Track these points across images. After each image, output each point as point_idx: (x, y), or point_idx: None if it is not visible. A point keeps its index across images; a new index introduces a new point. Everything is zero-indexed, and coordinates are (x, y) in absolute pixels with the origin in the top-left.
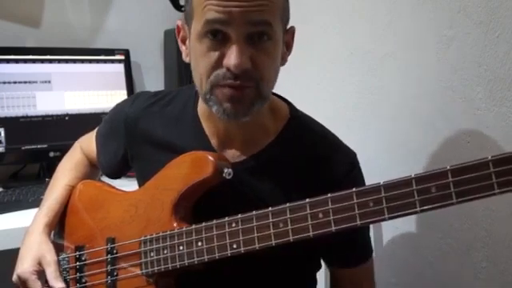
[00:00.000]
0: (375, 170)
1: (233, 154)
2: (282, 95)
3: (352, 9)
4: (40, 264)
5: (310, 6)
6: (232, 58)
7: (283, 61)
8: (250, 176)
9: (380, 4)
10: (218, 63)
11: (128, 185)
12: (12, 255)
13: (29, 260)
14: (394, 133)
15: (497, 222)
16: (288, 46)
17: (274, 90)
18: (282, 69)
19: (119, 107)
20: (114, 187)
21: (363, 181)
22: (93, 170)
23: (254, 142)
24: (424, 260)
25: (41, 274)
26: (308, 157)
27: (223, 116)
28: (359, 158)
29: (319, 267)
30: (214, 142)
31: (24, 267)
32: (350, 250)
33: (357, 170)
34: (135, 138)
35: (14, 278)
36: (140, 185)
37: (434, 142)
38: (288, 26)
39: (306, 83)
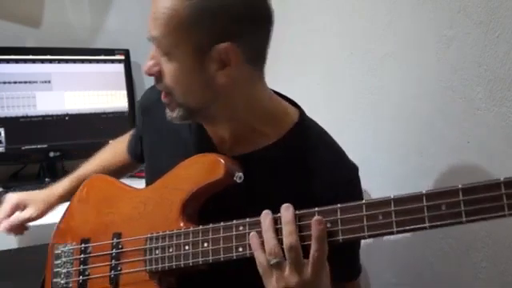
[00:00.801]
0: (375, 170)
1: (230, 151)
2: (294, 100)
3: (352, 9)
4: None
5: (310, 5)
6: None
7: (222, 78)
8: (251, 171)
9: (380, 4)
10: None
11: (133, 184)
12: (13, 255)
13: (24, 194)
14: (394, 133)
15: (497, 222)
16: (223, 64)
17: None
18: (282, 68)
19: (143, 94)
20: (124, 184)
21: (360, 195)
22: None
23: (247, 143)
24: (424, 260)
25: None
26: (307, 163)
27: None
28: (359, 157)
29: None
30: (215, 139)
31: (14, 197)
32: (346, 263)
33: (354, 186)
34: (146, 122)
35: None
36: (147, 176)
37: (434, 142)
38: (226, 42)
39: (305, 83)
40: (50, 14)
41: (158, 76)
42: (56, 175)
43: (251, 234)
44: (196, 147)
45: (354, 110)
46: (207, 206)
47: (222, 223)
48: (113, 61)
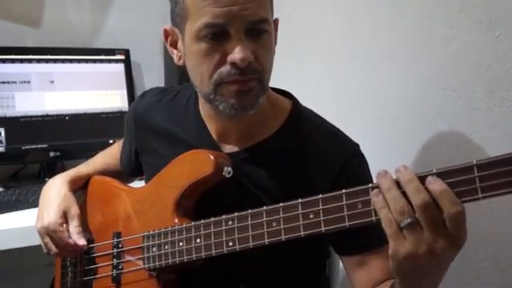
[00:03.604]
0: (374, 170)
1: (232, 147)
2: (287, 90)
3: (352, 9)
4: (65, 216)
5: (311, 5)
6: (237, 52)
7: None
8: (249, 166)
9: (380, 4)
10: (221, 61)
11: (133, 184)
12: (13, 255)
13: (56, 211)
14: (394, 133)
15: (497, 222)
16: (275, 37)
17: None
18: (283, 68)
19: (130, 106)
20: (122, 183)
21: (364, 171)
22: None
23: (252, 136)
24: None
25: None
26: (308, 150)
27: (231, 111)
28: None
29: (328, 256)
30: (215, 136)
31: (51, 218)
32: (360, 233)
33: (356, 161)
34: (142, 131)
35: (39, 227)
36: (147, 179)
37: (434, 142)
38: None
39: (305, 83)
40: (49, 13)
41: (253, 61)
42: (56, 175)
43: (374, 191)
44: (197, 146)
45: (354, 110)
46: (209, 201)
47: (212, 218)
48: (113, 61)
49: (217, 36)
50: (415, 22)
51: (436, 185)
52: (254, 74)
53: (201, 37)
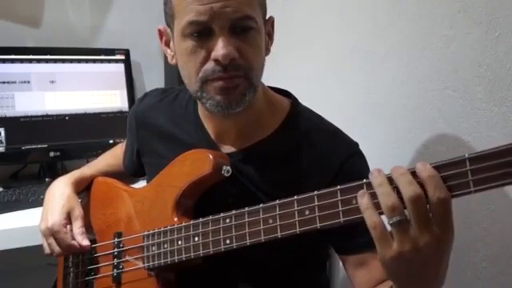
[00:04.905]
0: None
1: (230, 147)
2: (287, 89)
3: (353, 8)
4: (69, 217)
5: (311, 5)
6: (219, 49)
7: (267, 51)
8: (247, 166)
9: (381, 4)
10: (206, 58)
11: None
12: (13, 255)
13: (60, 212)
14: (394, 133)
15: (497, 222)
16: (269, 36)
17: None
18: (283, 67)
19: (132, 107)
20: (123, 184)
21: (363, 169)
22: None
23: (250, 136)
24: None
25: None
26: (307, 149)
27: (217, 109)
28: None
29: (328, 257)
30: (213, 137)
31: (55, 219)
32: (360, 232)
33: (355, 159)
34: (144, 132)
35: (43, 228)
36: (148, 179)
37: (434, 142)
38: (268, 16)
39: (305, 83)
40: (50, 13)
41: (238, 58)
42: (56, 175)
43: (359, 192)
44: (196, 147)
45: (354, 109)
46: (210, 201)
47: (210, 217)
48: (113, 61)
49: (201, 33)
50: (415, 22)
51: (424, 171)
52: (239, 70)
53: (186, 34)
